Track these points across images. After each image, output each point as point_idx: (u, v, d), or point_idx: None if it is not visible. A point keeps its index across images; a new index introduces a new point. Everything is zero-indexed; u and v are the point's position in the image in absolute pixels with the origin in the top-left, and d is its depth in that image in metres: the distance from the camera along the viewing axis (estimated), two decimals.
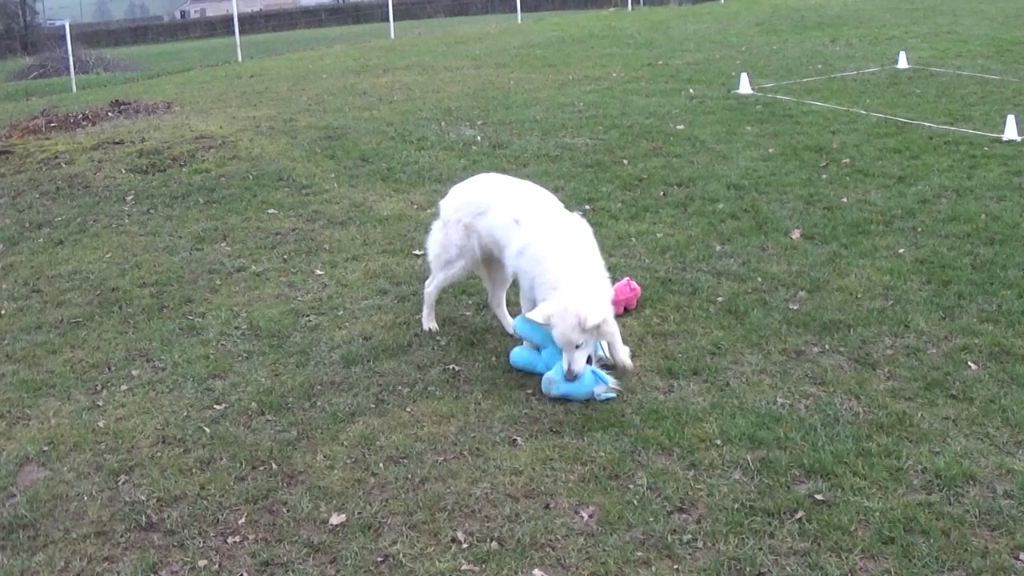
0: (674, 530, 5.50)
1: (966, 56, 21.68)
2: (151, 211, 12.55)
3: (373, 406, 7.06)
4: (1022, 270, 8.91)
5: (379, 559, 5.42)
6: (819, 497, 5.70)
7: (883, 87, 18.36)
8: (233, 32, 38.89)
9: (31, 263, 10.83)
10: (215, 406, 7.24)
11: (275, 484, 6.18)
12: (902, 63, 20.48)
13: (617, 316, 8.11)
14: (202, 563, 5.49)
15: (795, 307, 8.35)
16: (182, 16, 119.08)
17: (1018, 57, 21.30)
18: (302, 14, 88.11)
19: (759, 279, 8.94)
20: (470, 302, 8.86)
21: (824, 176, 12.22)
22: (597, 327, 6.85)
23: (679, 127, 15.39)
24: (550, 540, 5.47)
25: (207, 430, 6.87)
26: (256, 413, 7.09)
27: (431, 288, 8.33)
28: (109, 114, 20.32)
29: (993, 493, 5.69)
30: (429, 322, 8.35)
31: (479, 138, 15.39)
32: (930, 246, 9.59)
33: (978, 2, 33.23)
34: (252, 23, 70.77)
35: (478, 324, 8.38)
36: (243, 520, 5.84)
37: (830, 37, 26.59)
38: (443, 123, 16.75)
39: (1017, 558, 5.15)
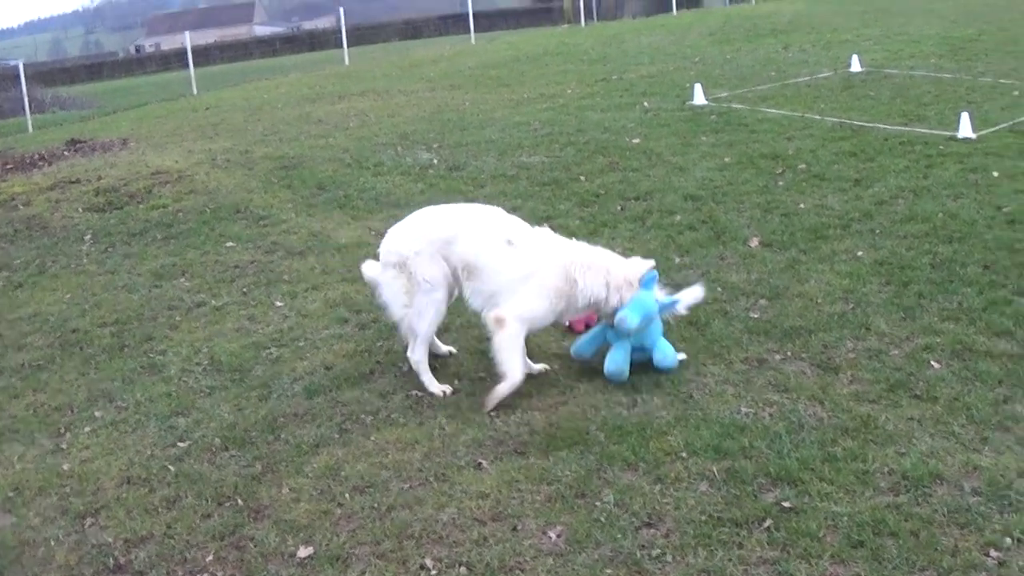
0: (643, 545, 5.49)
1: (919, 56, 21.87)
2: (109, 250, 12.50)
3: (337, 436, 7.02)
4: (981, 267, 8.98)
5: None
6: (786, 504, 5.70)
7: (837, 91, 18.47)
8: (187, 65, 38.79)
9: None
10: (179, 444, 7.19)
11: (241, 519, 6.14)
12: (855, 66, 20.63)
13: (579, 333, 8.14)
14: None
15: (756, 315, 8.38)
16: (137, 51, 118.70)
17: (970, 55, 21.50)
18: (256, 44, 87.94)
19: (719, 289, 8.96)
20: None
21: (780, 183, 12.27)
22: None
23: (635, 141, 15.43)
24: (519, 562, 5.45)
25: (172, 468, 6.83)
26: (220, 449, 7.04)
27: (418, 355, 7.78)
28: (65, 153, 20.24)
29: (961, 491, 5.72)
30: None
31: (435, 161, 15.38)
32: (888, 247, 9.65)
33: (929, 2, 33.50)
34: (207, 55, 70.73)
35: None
36: (211, 557, 5.80)
37: (783, 44, 26.75)
38: (399, 148, 16.72)
39: (987, 555, 5.17)
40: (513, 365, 7.27)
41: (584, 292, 7.40)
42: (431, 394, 7.56)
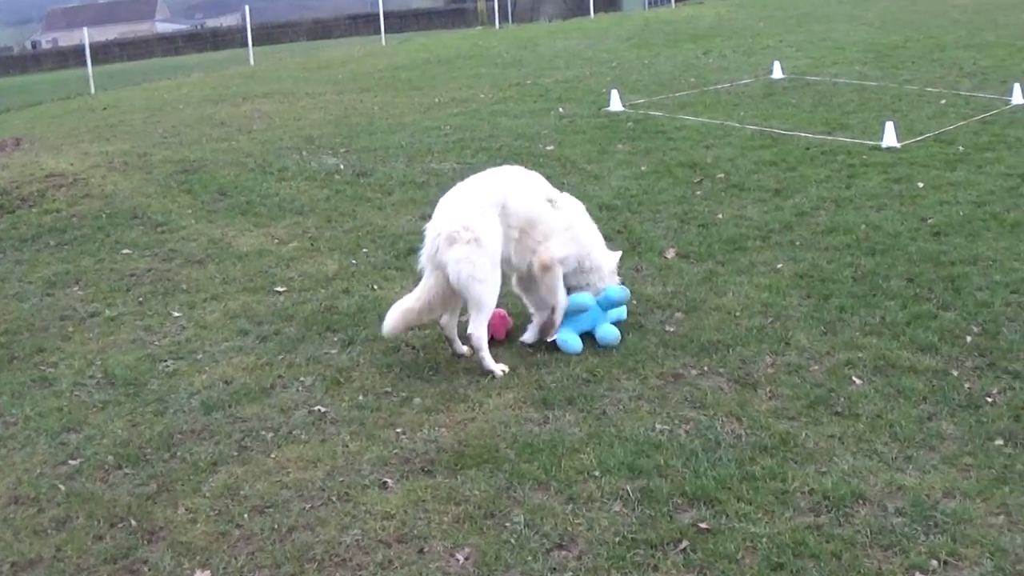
0: (554, 568, 5.34)
1: (843, 63, 22.15)
2: None
3: (236, 454, 6.79)
4: (905, 280, 8.97)
5: None
6: (703, 525, 5.58)
7: (758, 98, 18.58)
8: (86, 63, 38.27)
9: None
10: (70, 461, 6.91)
11: (135, 542, 5.89)
12: (777, 73, 20.81)
13: (491, 342, 8.01)
14: None
15: (672, 329, 8.27)
16: (33, 47, 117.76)
17: (896, 62, 21.78)
18: (158, 41, 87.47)
19: (634, 302, 8.80)
20: (335, 339, 8.61)
21: (698, 192, 12.24)
22: None
23: (549, 148, 15.36)
24: None
25: (62, 487, 6.55)
26: (113, 467, 6.77)
27: (482, 330, 7.78)
28: None
29: (884, 511, 5.63)
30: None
31: (342, 166, 15.16)
32: (809, 260, 9.61)
33: (853, 7, 33.94)
34: (106, 52, 69.91)
35: (344, 362, 8.13)
36: None
37: (703, 49, 26.94)
38: (304, 152, 16.48)
39: None
40: (560, 296, 8.04)
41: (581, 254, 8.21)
42: (490, 373, 7.68)
